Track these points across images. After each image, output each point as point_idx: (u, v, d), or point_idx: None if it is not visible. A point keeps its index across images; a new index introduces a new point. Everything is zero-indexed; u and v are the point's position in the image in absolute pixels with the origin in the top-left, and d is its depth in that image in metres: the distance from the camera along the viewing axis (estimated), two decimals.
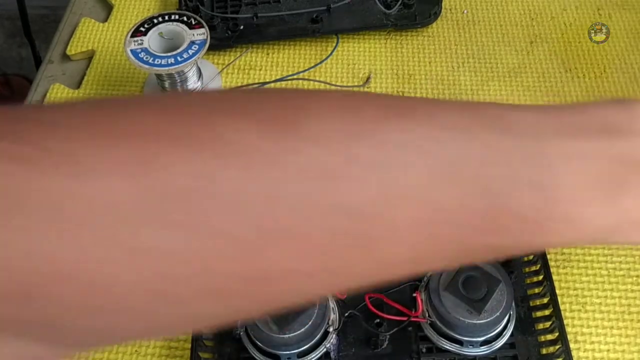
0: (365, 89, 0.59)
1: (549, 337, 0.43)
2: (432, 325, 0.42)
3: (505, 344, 0.43)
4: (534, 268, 0.46)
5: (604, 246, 0.49)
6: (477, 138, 0.21)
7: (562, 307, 0.45)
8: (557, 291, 0.46)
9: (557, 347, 0.42)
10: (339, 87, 0.59)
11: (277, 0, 0.64)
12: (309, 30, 0.62)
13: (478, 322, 0.40)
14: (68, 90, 0.60)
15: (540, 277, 0.45)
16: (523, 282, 0.46)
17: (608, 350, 0.44)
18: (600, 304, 0.46)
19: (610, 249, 0.48)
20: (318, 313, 0.41)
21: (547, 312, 0.44)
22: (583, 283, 0.47)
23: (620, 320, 0.45)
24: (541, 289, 0.45)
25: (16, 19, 1.28)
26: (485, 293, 0.41)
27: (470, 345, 0.42)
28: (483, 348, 0.42)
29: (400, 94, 0.59)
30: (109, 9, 0.67)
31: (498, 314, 0.41)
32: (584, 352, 0.44)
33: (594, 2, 0.65)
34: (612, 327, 0.45)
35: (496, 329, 0.42)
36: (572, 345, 0.44)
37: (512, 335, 0.43)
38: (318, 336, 0.42)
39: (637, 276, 0.47)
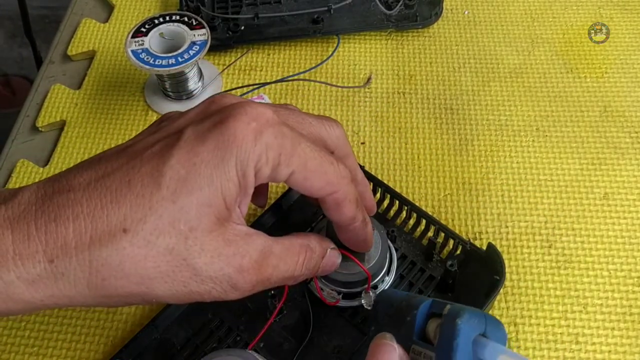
0: (366, 90, 0.59)
1: (411, 223, 0.48)
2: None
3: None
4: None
5: (605, 247, 0.49)
6: None
7: (563, 308, 0.45)
8: (558, 292, 0.46)
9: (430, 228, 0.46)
10: (339, 88, 0.59)
11: (277, 1, 0.64)
12: (310, 31, 0.62)
13: (370, 265, 0.42)
14: (69, 90, 0.60)
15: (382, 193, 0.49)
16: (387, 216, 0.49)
17: (609, 352, 0.44)
18: (601, 305, 0.46)
19: (611, 250, 0.48)
20: None
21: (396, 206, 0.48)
22: (584, 284, 0.47)
23: (622, 321, 0.45)
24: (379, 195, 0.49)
25: (17, 19, 1.28)
26: None
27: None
28: (390, 277, 0.44)
29: (401, 94, 0.59)
30: (109, 9, 0.67)
31: (380, 249, 0.42)
32: (585, 353, 0.44)
33: (595, 3, 0.65)
34: (613, 329, 0.45)
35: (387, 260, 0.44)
36: (573, 347, 0.44)
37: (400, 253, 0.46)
38: None
39: (639, 277, 0.47)
